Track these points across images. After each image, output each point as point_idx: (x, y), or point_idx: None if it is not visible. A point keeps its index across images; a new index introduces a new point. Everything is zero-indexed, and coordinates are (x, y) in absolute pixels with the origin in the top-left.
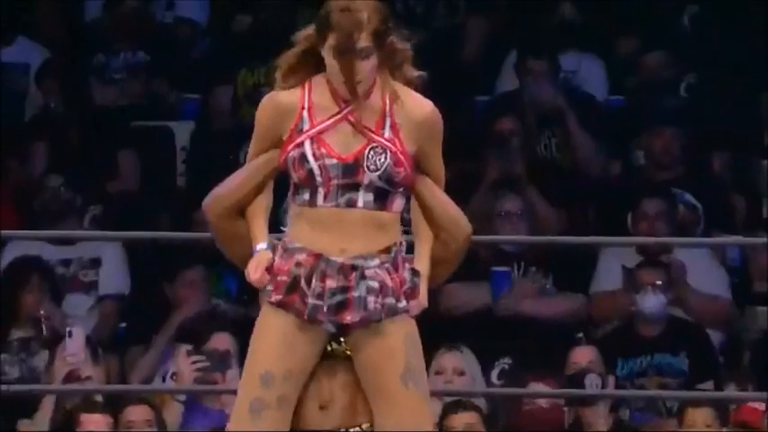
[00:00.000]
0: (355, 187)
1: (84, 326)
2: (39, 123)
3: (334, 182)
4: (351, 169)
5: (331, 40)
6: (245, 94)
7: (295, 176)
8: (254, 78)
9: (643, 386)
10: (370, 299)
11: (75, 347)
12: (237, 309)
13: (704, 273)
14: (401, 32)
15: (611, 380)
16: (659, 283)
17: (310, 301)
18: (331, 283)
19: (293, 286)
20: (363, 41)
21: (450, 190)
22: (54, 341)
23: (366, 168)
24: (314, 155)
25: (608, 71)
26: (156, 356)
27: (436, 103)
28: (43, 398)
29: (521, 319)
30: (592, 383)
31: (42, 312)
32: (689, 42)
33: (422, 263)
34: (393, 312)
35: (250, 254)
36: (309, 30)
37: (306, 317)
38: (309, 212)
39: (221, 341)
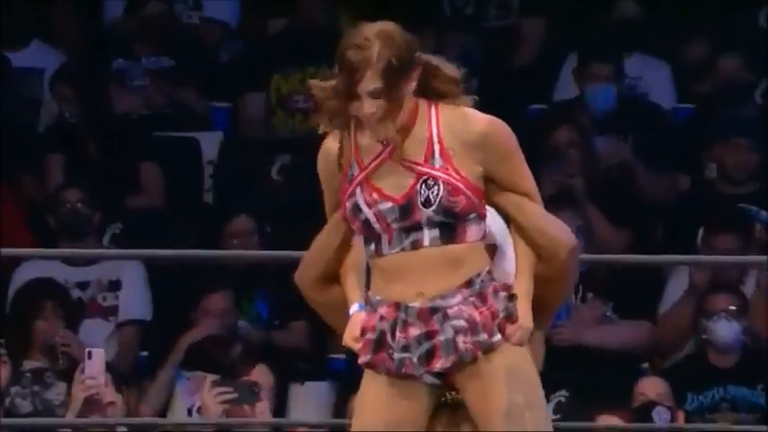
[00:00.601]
0: (417, 227)
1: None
2: (54, 133)
3: (394, 226)
4: (406, 210)
5: (341, 80)
6: (279, 102)
7: (355, 229)
8: (288, 85)
9: (714, 421)
10: (459, 339)
11: (95, 370)
12: (264, 334)
13: None
14: (450, 65)
15: (680, 414)
16: (733, 308)
17: (396, 355)
18: (414, 332)
19: (380, 342)
20: (370, 82)
21: None
22: (71, 372)
23: (420, 206)
24: (366, 202)
25: (675, 77)
26: (165, 385)
27: (485, 112)
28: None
29: (579, 348)
30: (660, 417)
31: (59, 339)
32: (766, 44)
33: (521, 283)
34: (487, 349)
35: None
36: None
37: (394, 373)
38: (380, 262)
39: (252, 371)
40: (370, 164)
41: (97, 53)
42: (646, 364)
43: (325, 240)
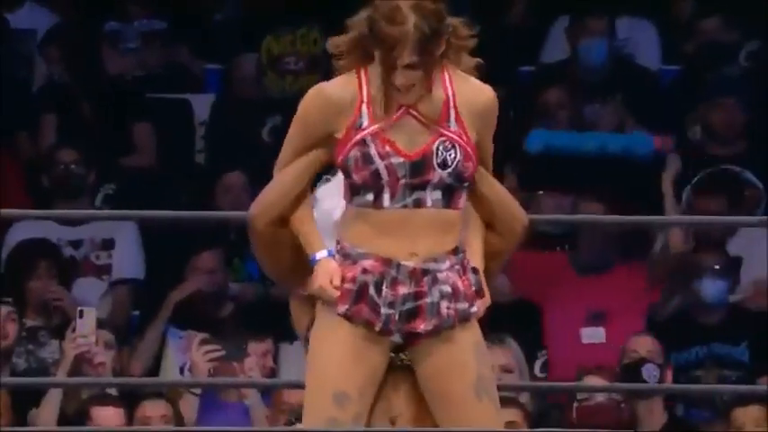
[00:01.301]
0: (423, 186)
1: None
2: (47, 94)
3: (402, 181)
4: (419, 167)
5: (376, 51)
6: (271, 63)
7: (357, 177)
8: (280, 46)
9: (699, 379)
10: (443, 304)
11: (86, 329)
12: (255, 293)
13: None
14: (463, 22)
15: (669, 372)
16: (718, 267)
17: (383, 310)
18: (402, 290)
19: (360, 295)
20: (407, 57)
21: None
22: (64, 330)
23: (436, 166)
24: (379, 154)
25: (662, 37)
26: (154, 342)
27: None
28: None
29: None
30: (650, 375)
31: (51, 295)
32: (751, 5)
33: (477, 258)
34: (465, 318)
35: (296, 264)
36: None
37: (378, 328)
38: (374, 215)
39: (243, 330)
40: (381, 118)
41: (90, 15)
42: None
43: (289, 185)
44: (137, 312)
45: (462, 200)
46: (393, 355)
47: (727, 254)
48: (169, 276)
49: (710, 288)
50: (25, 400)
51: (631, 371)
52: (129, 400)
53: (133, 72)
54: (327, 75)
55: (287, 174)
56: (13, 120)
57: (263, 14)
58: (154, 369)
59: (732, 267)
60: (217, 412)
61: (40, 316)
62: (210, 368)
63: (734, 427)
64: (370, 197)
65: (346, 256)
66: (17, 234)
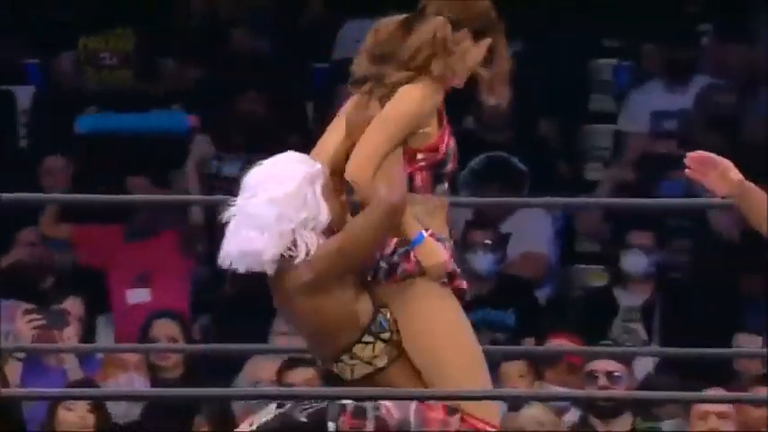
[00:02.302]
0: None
1: None
2: None
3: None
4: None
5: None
6: (87, 59)
7: (449, 167)
8: (94, 43)
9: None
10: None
11: None
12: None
13: (531, 234)
14: None
15: None
16: (489, 242)
17: (465, 285)
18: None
19: (454, 273)
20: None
21: None
22: None
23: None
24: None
25: None
26: None
27: (277, 71)
28: None
29: None
30: None
31: None
32: None
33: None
34: None
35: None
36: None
37: (467, 298)
38: (444, 202)
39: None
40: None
41: None
42: None
43: (401, 172)
44: None
45: None
46: None
47: (498, 231)
48: None
49: (482, 261)
50: None
51: None
52: None
53: None
54: (139, 70)
55: (396, 162)
56: None
57: (80, 16)
58: None
59: (501, 242)
60: (38, 376)
61: None
62: (34, 335)
63: (499, 378)
64: (446, 186)
65: (440, 240)
66: None
